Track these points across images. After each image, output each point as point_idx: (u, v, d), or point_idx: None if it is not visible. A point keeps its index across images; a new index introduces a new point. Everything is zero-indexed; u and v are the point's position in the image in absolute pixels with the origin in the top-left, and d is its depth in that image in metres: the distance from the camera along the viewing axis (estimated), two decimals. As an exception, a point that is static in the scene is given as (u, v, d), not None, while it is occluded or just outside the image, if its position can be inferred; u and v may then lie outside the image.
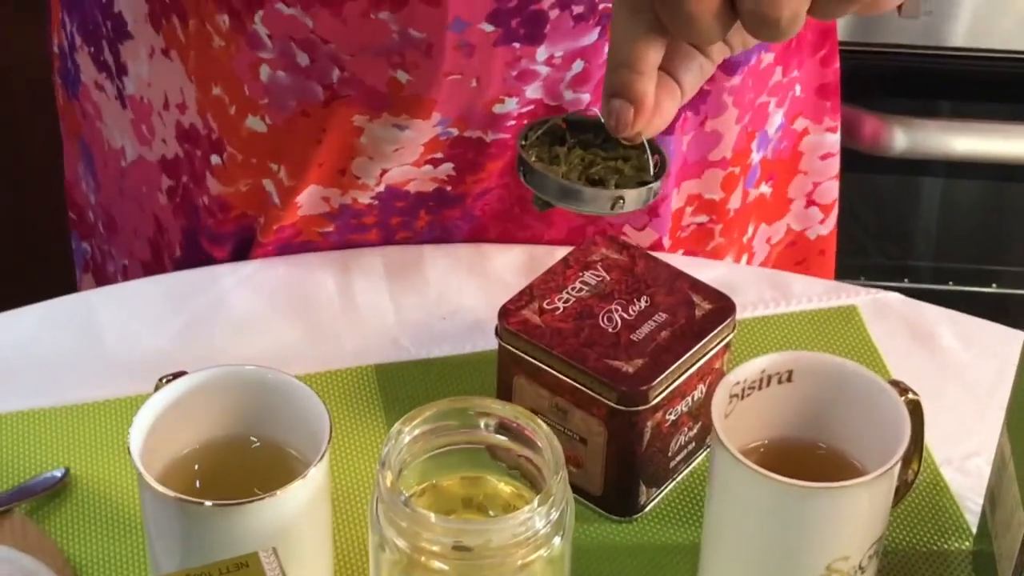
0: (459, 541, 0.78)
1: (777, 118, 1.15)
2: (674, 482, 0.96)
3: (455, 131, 1.04)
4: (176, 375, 0.87)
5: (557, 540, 0.80)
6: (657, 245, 1.13)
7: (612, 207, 0.79)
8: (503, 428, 0.83)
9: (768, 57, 1.11)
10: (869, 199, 1.82)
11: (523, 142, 0.81)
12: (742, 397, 0.86)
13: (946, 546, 0.93)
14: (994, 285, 1.84)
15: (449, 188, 1.09)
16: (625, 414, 0.89)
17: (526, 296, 0.94)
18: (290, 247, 1.11)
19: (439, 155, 1.06)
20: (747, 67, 1.09)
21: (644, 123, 0.77)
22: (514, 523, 0.78)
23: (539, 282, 0.95)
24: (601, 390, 0.89)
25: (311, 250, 1.11)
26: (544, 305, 0.93)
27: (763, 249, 1.22)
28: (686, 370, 0.91)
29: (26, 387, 1.01)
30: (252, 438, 0.88)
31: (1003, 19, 1.66)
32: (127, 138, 1.13)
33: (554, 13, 0.97)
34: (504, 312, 0.93)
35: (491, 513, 0.85)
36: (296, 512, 0.82)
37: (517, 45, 0.99)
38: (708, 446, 0.96)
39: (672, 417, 0.92)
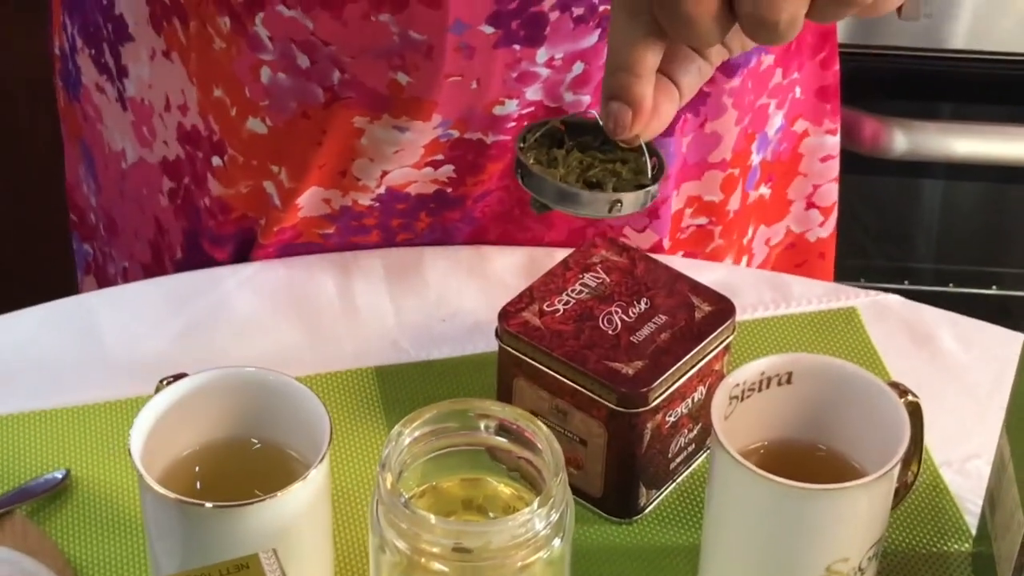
0: (459, 543, 0.78)
1: (777, 120, 1.15)
2: (674, 484, 0.96)
3: (455, 133, 1.04)
4: (177, 377, 0.87)
5: (557, 542, 0.80)
6: (657, 247, 1.13)
7: (609, 210, 0.79)
8: (503, 430, 0.83)
9: (768, 59, 1.11)
10: (869, 201, 1.82)
11: (521, 144, 0.81)
12: (742, 399, 0.86)
13: (945, 548, 0.93)
14: (994, 287, 1.84)
15: (449, 190, 1.09)
16: (625, 416, 0.89)
17: (526, 298, 0.94)
18: (291, 249, 1.11)
19: (439, 157, 1.06)
20: (747, 69, 1.09)
21: (642, 126, 0.77)
22: (514, 525, 0.78)
23: (539, 284, 0.95)
24: (601, 392, 0.89)
25: (312, 252, 1.11)
26: (544, 307, 0.93)
27: (762, 251, 1.22)
28: (686, 372, 0.91)
29: (27, 389, 1.01)
30: (253, 440, 0.88)
31: (1003, 21, 1.66)
32: (128, 140, 1.13)
33: (554, 15, 0.97)
34: (504, 314, 0.93)
35: (491, 515, 0.85)
36: (296, 513, 0.82)
37: (517, 47, 0.99)
38: (708, 448, 0.96)
39: (672, 419, 0.92)
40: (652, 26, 0.74)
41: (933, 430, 0.94)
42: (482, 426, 0.83)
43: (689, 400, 0.93)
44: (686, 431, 0.94)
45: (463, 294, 1.08)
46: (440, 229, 1.12)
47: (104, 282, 1.24)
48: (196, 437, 0.87)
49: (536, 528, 0.78)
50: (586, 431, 0.91)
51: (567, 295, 0.94)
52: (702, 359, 0.92)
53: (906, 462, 0.90)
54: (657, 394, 0.90)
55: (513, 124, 1.04)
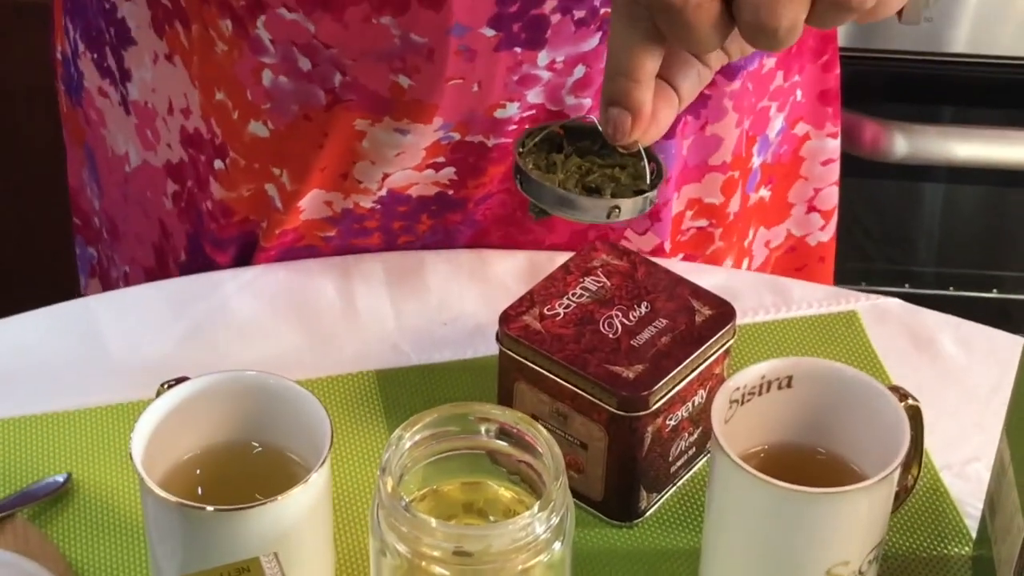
0: (459, 546, 0.78)
1: (778, 122, 1.15)
2: (674, 487, 0.96)
3: (457, 135, 1.04)
4: (178, 380, 0.87)
5: (557, 545, 0.80)
6: (659, 249, 1.13)
7: (608, 216, 0.79)
8: (504, 433, 0.83)
9: (769, 62, 1.11)
10: (870, 204, 1.82)
11: (520, 150, 0.81)
12: (742, 402, 0.86)
13: (946, 551, 0.93)
14: (995, 290, 1.84)
15: (451, 192, 1.09)
16: (626, 419, 0.90)
17: (527, 302, 0.94)
18: (292, 251, 1.11)
19: (441, 159, 1.06)
20: (748, 72, 1.09)
21: (641, 131, 0.77)
22: (514, 528, 0.78)
23: (540, 288, 0.95)
24: (602, 395, 0.90)
25: (314, 254, 1.12)
26: (545, 311, 0.94)
27: (762, 253, 1.22)
28: (686, 375, 0.91)
29: (28, 392, 1.01)
30: (254, 443, 0.88)
31: (1004, 25, 1.66)
32: (131, 144, 1.13)
33: (555, 18, 0.98)
34: (505, 318, 0.93)
35: (491, 518, 0.85)
36: (297, 517, 0.82)
37: (518, 50, 0.99)
38: (708, 451, 0.96)
39: (672, 422, 0.92)
40: (652, 32, 0.75)
41: (933, 434, 0.95)
42: (483, 430, 0.83)
43: (689, 404, 0.93)
44: (686, 435, 0.94)
45: (464, 298, 1.08)
46: (441, 231, 1.12)
47: (108, 285, 1.24)
48: (197, 440, 0.87)
49: (536, 532, 0.78)
50: (587, 435, 0.91)
51: (568, 299, 0.94)
52: (702, 363, 0.92)
53: (906, 466, 0.90)
54: (658, 398, 0.90)
55: (514, 127, 1.04)
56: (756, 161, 1.16)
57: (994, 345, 1.06)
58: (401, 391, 1.02)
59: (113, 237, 1.20)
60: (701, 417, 0.94)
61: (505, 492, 0.85)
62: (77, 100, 1.16)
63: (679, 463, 0.95)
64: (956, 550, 0.93)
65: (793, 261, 1.23)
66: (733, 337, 0.95)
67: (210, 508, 0.81)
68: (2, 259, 2.00)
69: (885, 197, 1.83)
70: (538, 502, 0.78)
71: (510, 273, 1.10)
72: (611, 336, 0.92)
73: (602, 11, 0.98)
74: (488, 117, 1.03)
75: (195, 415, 0.86)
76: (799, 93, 1.16)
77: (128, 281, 1.20)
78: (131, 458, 0.82)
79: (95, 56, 1.11)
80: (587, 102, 1.03)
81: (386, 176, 1.06)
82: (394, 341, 1.05)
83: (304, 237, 1.10)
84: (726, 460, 0.82)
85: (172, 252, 1.16)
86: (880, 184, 1.80)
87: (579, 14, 0.98)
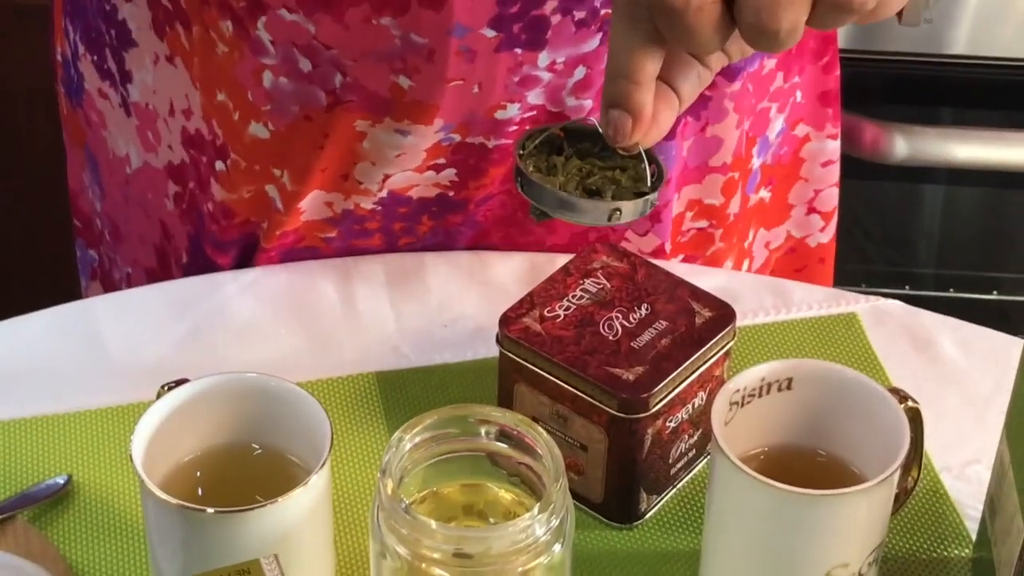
0: (460, 548, 0.78)
1: (778, 124, 1.15)
2: (674, 489, 0.96)
3: (457, 137, 1.04)
4: (178, 382, 0.87)
5: (557, 547, 0.80)
6: (659, 250, 1.13)
7: (609, 219, 0.79)
8: (504, 435, 0.83)
9: (770, 63, 1.11)
10: (870, 206, 1.82)
11: (520, 152, 0.81)
12: (742, 404, 0.86)
13: (946, 553, 0.93)
14: (995, 292, 1.84)
15: (452, 193, 1.09)
16: (626, 421, 0.90)
17: (527, 304, 0.94)
18: (293, 253, 1.11)
19: (441, 160, 1.06)
20: (748, 73, 1.09)
21: (642, 133, 0.77)
22: (514, 530, 0.78)
23: (540, 290, 0.95)
24: (602, 397, 0.90)
25: (314, 255, 1.12)
26: (545, 313, 0.94)
27: (762, 254, 1.22)
28: (686, 377, 0.91)
29: (29, 394, 1.01)
30: (254, 445, 0.88)
31: (1004, 26, 1.66)
32: (132, 145, 1.13)
33: (556, 19, 0.98)
34: (505, 320, 0.93)
35: (491, 520, 0.85)
36: (297, 519, 0.82)
37: (519, 51, 0.99)
38: (708, 453, 0.96)
39: (672, 424, 0.92)
40: (652, 33, 0.75)
41: (933, 435, 0.95)
42: (483, 432, 0.83)
43: (689, 406, 0.93)
44: (686, 436, 0.94)
45: (464, 299, 1.09)
46: (442, 233, 1.12)
47: (110, 287, 1.24)
48: (198, 442, 0.87)
49: (537, 534, 0.78)
50: (587, 436, 0.91)
51: (568, 301, 0.94)
52: (702, 365, 0.92)
53: (906, 468, 0.90)
54: (658, 400, 0.90)
55: (515, 128, 1.04)
56: (756, 162, 1.16)
57: (994, 347, 1.06)
58: (401, 393, 1.02)
59: (115, 239, 1.20)
60: (701, 419, 0.94)
61: (505, 494, 0.85)
62: (77, 102, 1.16)
63: (679, 465, 0.95)
64: (956, 552, 0.93)
65: (793, 262, 1.23)
66: (733, 339, 0.95)
67: (210, 510, 0.81)
68: (2, 261, 2.00)
69: (885, 199, 1.83)
70: (538, 504, 0.78)
71: (510, 275, 1.10)
72: (611, 338, 0.92)
73: (603, 12, 0.98)
74: (489, 118, 1.03)
75: (195, 417, 0.86)
76: (799, 94, 1.16)
77: (131, 282, 1.20)
78: (131, 460, 0.82)
79: (95, 58, 1.11)
80: (588, 103, 1.03)
81: (387, 177, 1.06)
82: (394, 343, 1.05)
83: (305, 238, 1.10)
84: (726, 462, 0.82)
85: (174, 253, 1.16)
86: (880, 186, 1.80)
87: (580, 15, 0.98)
